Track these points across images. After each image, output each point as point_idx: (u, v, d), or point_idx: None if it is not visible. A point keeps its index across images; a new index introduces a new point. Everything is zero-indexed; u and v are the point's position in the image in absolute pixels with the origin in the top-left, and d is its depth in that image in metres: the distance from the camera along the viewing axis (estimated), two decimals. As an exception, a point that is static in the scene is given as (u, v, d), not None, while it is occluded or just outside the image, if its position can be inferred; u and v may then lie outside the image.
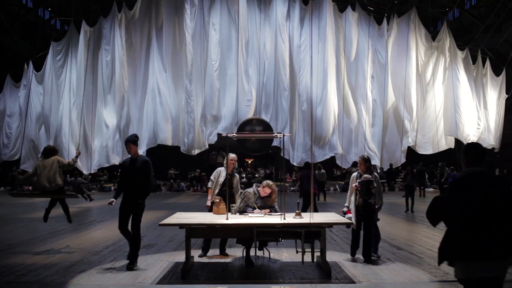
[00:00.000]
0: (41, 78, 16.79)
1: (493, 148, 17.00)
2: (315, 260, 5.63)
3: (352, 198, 6.27)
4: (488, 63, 17.30)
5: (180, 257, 6.32)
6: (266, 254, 6.03)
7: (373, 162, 10.14)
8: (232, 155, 6.48)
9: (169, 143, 15.26)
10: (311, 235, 5.35)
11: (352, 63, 15.65)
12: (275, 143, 6.74)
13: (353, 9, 16.08)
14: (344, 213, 6.30)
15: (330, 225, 6.10)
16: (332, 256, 6.38)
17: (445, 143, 16.21)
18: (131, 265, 5.70)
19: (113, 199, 5.98)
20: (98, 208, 13.31)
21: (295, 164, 15.88)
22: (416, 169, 17.32)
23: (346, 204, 6.42)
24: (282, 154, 6.92)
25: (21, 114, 17.08)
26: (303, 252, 5.29)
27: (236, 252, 6.65)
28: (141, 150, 14.04)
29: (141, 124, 14.87)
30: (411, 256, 6.58)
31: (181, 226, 5.51)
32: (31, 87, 16.77)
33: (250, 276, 5.43)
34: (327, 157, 15.91)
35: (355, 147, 15.62)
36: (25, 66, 17.51)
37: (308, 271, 5.58)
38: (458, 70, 16.21)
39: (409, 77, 15.66)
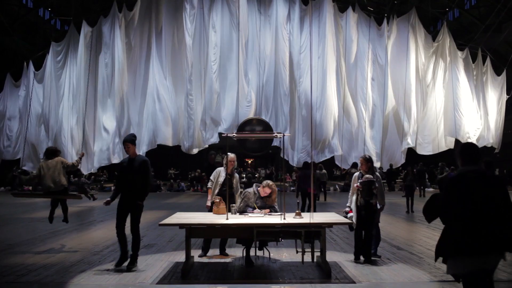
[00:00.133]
0: (41, 78, 16.78)
1: (492, 147, 16.98)
2: (315, 260, 5.63)
3: (354, 198, 6.24)
4: (488, 61, 17.27)
5: (180, 257, 6.32)
6: (266, 254, 6.03)
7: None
8: (231, 155, 6.48)
9: (169, 143, 15.25)
10: (311, 235, 5.35)
11: (352, 65, 15.61)
12: (275, 143, 6.74)
13: (353, 10, 16.03)
14: (347, 213, 6.28)
15: (330, 225, 6.09)
16: (332, 256, 6.38)
17: (445, 144, 16.20)
18: (131, 265, 5.69)
19: (109, 199, 5.92)
20: (98, 208, 13.30)
21: (294, 164, 15.87)
22: (416, 169, 17.33)
23: (348, 204, 6.38)
24: (282, 155, 6.93)
25: (21, 117, 17.08)
26: (303, 252, 5.29)
27: (236, 252, 6.65)
28: (141, 152, 14.04)
29: (141, 127, 14.84)
30: (411, 256, 6.58)
31: (181, 226, 5.51)
32: (31, 89, 16.78)
33: (250, 276, 5.43)
34: (327, 157, 15.90)
35: (355, 149, 15.58)
36: (25, 65, 17.50)
37: (308, 271, 5.58)
38: (458, 71, 16.20)
39: (408, 78, 15.64)
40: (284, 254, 6.62)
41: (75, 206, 12.77)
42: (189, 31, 14.80)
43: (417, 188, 17.56)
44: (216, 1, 15.22)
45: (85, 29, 15.35)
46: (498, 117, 17.12)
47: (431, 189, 22.06)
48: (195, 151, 15.24)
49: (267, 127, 6.27)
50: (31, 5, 25.10)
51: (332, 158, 16.47)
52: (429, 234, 8.61)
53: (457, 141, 16.02)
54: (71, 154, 14.90)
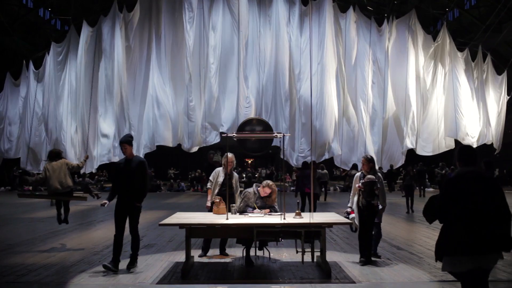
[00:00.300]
0: (41, 77, 16.76)
1: (492, 146, 16.94)
2: (315, 260, 5.63)
3: (355, 198, 6.17)
4: (489, 58, 17.22)
5: (180, 257, 6.32)
6: (266, 254, 6.03)
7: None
8: (230, 155, 6.49)
9: (170, 144, 15.22)
10: (311, 235, 5.35)
11: (352, 68, 15.54)
12: (275, 143, 6.74)
13: (354, 10, 15.96)
14: (348, 214, 6.21)
15: (330, 225, 6.09)
16: (332, 256, 6.38)
17: (445, 144, 16.17)
18: (131, 265, 5.69)
19: (106, 201, 5.85)
20: (98, 208, 13.30)
21: (293, 164, 15.83)
22: (416, 169, 17.32)
23: (349, 205, 6.31)
24: (281, 155, 6.93)
25: (21, 122, 17.11)
26: (303, 252, 5.29)
27: (236, 252, 6.65)
28: (141, 154, 14.06)
29: (141, 130, 14.79)
30: (411, 256, 6.58)
31: (181, 226, 5.51)
32: (30, 91, 16.79)
33: (250, 276, 5.43)
34: (326, 158, 15.87)
35: (355, 151, 15.51)
36: (24, 63, 17.49)
37: (308, 271, 5.58)
38: (457, 71, 16.14)
39: (408, 80, 15.59)
40: (284, 254, 6.62)
41: (75, 206, 12.77)
42: (189, 33, 14.74)
43: (417, 188, 17.56)
44: (216, 2, 15.15)
45: (85, 31, 15.28)
46: (498, 118, 17.08)
47: (431, 189, 22.07)
48: (195, 149, 15.20)
49: (267, 127, 6.27)
50: (31, 5, 25.10)
51: (332, 158, 16.44)
52: (429, 234, 8.62)
53: (457, 142, 15.98)
54: (70, 158, 14.88)
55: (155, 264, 6.00)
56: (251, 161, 34.62)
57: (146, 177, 5.82)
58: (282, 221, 5.36)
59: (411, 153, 15.95)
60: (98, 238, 8.14)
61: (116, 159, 14.74)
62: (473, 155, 3.43)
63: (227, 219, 5.56)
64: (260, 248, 5.77)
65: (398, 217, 11.89)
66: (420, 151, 15.94)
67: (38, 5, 24.73)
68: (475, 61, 16.80)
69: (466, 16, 25.23)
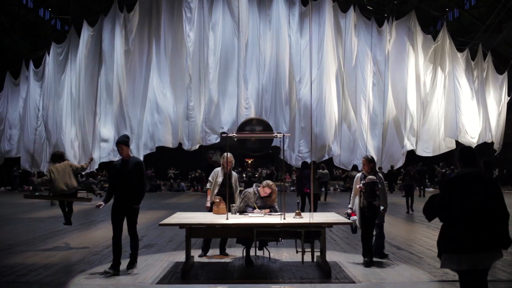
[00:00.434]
0: (41, 76, 16.75)
1: (493, 145, 16.91)
2: (315, 260, 5.63)
3: (356, 200, 6.10)
4: (489, 56, 17.18)
5: (180, 257, 6.32)
6: (266, 254, 6.03)
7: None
8: (228, 155, 6.48)
9: (170, 145, 15.20)
10: (311, 235, 5.35)
11: (352, 70, 15.50)
12: (275, 143, 6.73)
13: (354, 10, 15.92)
14: (348, 215, 6.13)
15: (330, 225, 6.09)
16: (332, 256, 6.38)
17: (445, 146, 16.15)
18: (131, 265, 5.69)
19: (102, 203, 5.78)
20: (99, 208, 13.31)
21: (293, 163, 15.81)
22: (416, 169, 17.31)
23: (349, 206, 6.26)
24: (281, 156, 6.93)
25: (21, 121, 17.12)
26: (303, 252, 5.29)
27: (236, 252, 6.65)
28: (141, 156, 14.07)
29: (141, 133, 14.78)
30: (411, 256, 6.59)
31: (181, 226, 5.51)
32: (30, 91, 16.79)
33: (250, 276, 5.43)
34: (326, 158, 15.86)
35: (355, 152, 15.48)
36: (23, 63, 17.49)
37: (308, 271, 5.58)
38: (457, 72, 16.12)
39: (408, 82, 15.57)
40: (284, 254, 6.62)
41: (77, 206, 12.75)
42: (189, 35, 14.69)
43: (417, 188, 17.55)
44: (216, 3, 15.08)
45: (86, 32, 15.23)
46: (498, 119, 17.04)
47: (431, 189, 22.08)
48: (196, 147, 15.18)
49: (267, 127, 6.27)
50: (31, 5, 25.11)
51: (332, 159, 16.42)
52: (429, 234, 8.62)
53: (458, 142, 15.96)
54: (69, 160, 14.89)
55: (155, 264, 6.01)
56: (251, 161, 34.63)
57: (144, 178, 5.74)
58: (282, 221, 5.36)
59: (411, 153, 15.93)
60: (99, 238, 8.13)
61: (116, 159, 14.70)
62: (474, 156, 3.57)
63: (227, 219, 5.56)
64: (260, 248, 5.77)
65: (398, 217, 11.89)
66: (420, 152, 15.93)
67: (38, 5, 24.75)
68: (475, 60, 16.76)
69: (466, 16, 25.23)
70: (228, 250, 6.77)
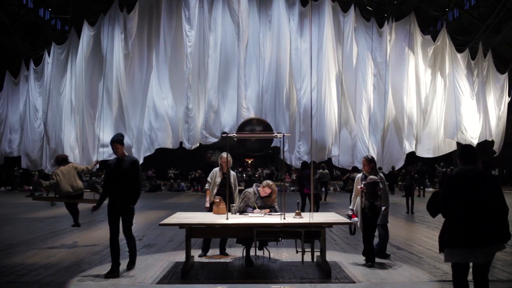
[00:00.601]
0: (40, 76, 16.74)
1: (493, 144, 16.90)
2: (315, 260, 5.63)
3: (358, 201, 6.04)
4: (489, 55, 17.15)
5: (180, 257, 6.32)
6: (266, 254, 6.03)
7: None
8: (224, 155, 6.48)
9: (170, 146, 15.19)
10: (311, 235, 5.35)
11: (352, 72, 15.46)
12: (275, 143, 6.73)
13: (354, 10, 15.89)
14: (349, 216, 6.07)
15: (330, 225, 6.09)
16: (332, 256, 6.39)
17: (445, 146, 16.13)
18: (131, 265, 5.69)
19: (96, 205, 5.77)
20: (100, 208, 13.30)
21: (292, 164, 15.81)
22: (416, 169, 17.31)
23: (350, 207, 6.21)
24: (281, 156, 6.93)
25: (22, 129, 17.15)
26: (303, 252, 5.30)
27: (236, 252, 6.65)
28: (140, 158, 14.08)
29: (141, 136, 14.77)
30: (411, 256, 6.59)
31: (181, 226, 5.50)
32: (30, 91, 16.80)
33: (250, 276, 5.43)
34: (325, 158, 15.86)
35: (355, 153, 15.46)
36: (23, 62, 17.49)
37: (308, 271, 5.58)
38: (457, 73, 16.11)
39: (408, 84, 15.56)
40: (284, 254, 6.62)
41: (79, 206, 12.75)
42: (188, 36, 14.64)
43: (417, 188, 17.54)
44: (216, 3, 15.03)
45: (86, 33, 15.21)
46: (498, 119, 17.03)
47: (430, 189, 22.07)
48: (196, 145, 15.17)
49: (267, 127, 6.27)
50: (31, 5, 25.12)
51: (331, 159, 16.41)
52: (429, 234, 8.62)
53: (458, 143, 15.95)
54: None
55: (155, 264, 6.01)
56: (251, 161, 34.65)
57: (139, 177, 5.65)
58: (282, 221, 5.36)
59: (411, 153, 15.94)
60: (99, 238, 8.13)
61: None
62: (474, 154, 3.69)
63: (227, 219, 5.56)
64: (260, 248, 5.77)
65: (398, 217, 11.87)
66: (421, 153, 15.92)
67: (38, 5, 24.76)
68: (475, 59, 16.73)
69: (466, 16, 25.23)
70: (228, 250, 6.77)
